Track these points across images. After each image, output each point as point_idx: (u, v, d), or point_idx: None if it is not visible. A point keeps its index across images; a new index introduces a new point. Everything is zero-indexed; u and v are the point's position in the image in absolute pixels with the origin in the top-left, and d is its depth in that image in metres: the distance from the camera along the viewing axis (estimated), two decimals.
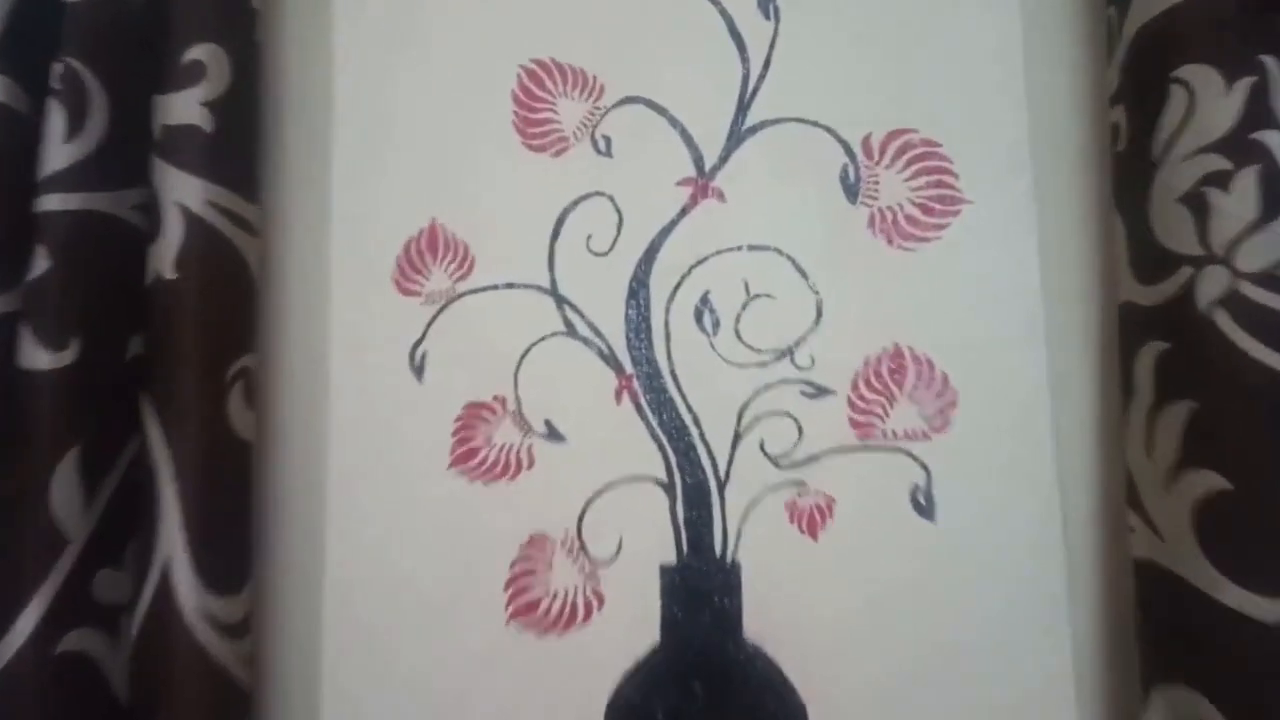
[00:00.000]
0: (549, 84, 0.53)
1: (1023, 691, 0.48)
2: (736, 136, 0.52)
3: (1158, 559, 0.47)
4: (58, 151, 0.51)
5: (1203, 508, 0.45)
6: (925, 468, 0.50)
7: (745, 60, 0.52)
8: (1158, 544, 0.47)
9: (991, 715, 0.48)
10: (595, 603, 0.50)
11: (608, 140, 0.53)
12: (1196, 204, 0.47)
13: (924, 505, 0.50)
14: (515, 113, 0.53)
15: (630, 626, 0.49)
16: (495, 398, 0.52)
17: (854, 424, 0.50)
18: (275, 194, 0.56)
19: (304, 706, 0.50)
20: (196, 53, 0.53)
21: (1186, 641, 0.46)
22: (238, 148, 0.55)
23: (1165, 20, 0.48)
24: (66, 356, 0.51)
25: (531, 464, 0.51)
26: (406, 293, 0.53)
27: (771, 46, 0.52)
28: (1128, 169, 0.51)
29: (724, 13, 0.53)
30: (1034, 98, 0.51)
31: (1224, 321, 0.45)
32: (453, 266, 0.53)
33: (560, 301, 0.52)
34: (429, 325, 0.52)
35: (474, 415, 0.52)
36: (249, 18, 0.56)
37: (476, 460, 0.51)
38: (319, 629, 0.51)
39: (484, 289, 0.52)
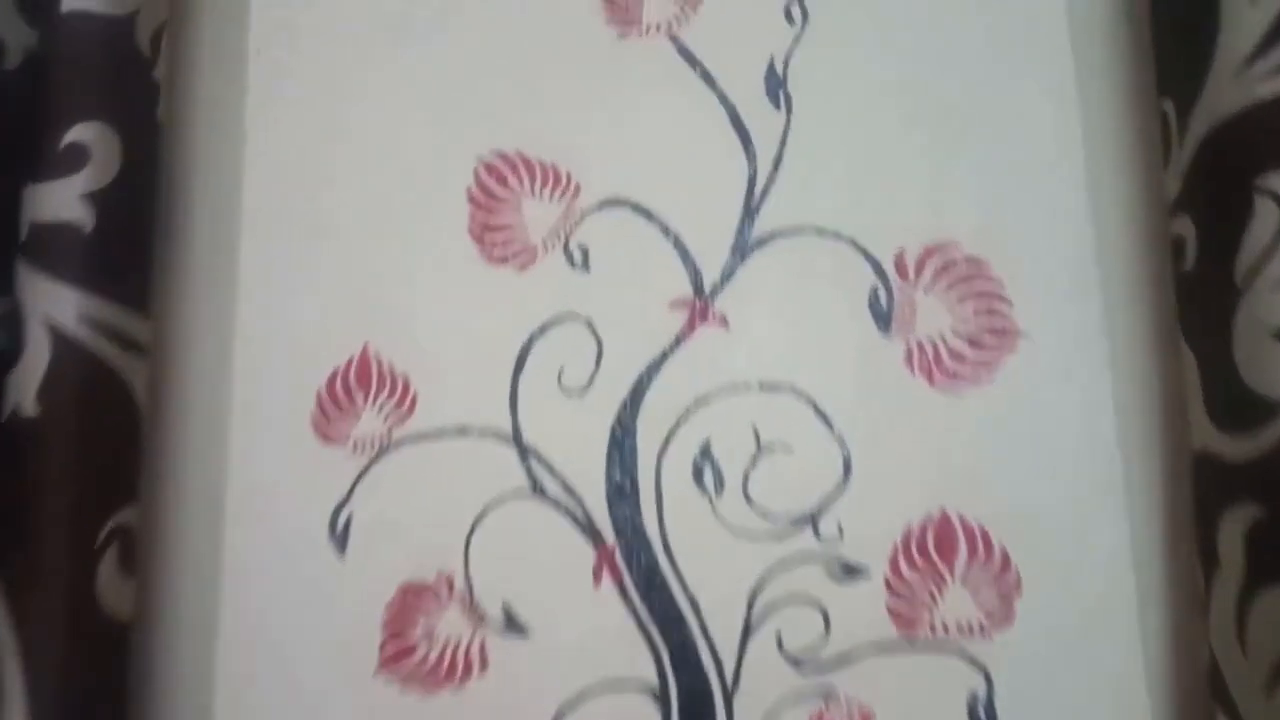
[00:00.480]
0: (513, 181, 0.44)
1: None
2: (742, 249, 0.43)
3: None
4: None
5: None
6: (985, 673, 0.39)
7: (751, 157, 0.43)
8: None
9: None
10: None
11: (584, 251, 0.43)
12: None
13: None
14: (471, 215, 0.43)
15: None
16: (439, 576, 0.41)
17: (894, 614, 0.40)
18: (173, 305, 0.45)
19: None
20: (78, 133, 0.43)
21: None
22: (126, 250, 0.45)
23: (1246, 118, 0.41)
24: None
25: (485, 666, 0.39)
26: (329, 439, 0.42)
27: (783, 141, 0.43)
28: (1199, 293, 0.43)
29: (725, 100, 0.44)
30: (1099, 204, 0.43)
31: None
32: (389, 406, 0.42)
33: (524, 452, 0.42)
34: (356, 482, 0.41)
35: (411, 600, 0.40)
36: (149, 91, 0.47)
37: (413, 661, 0.40)
38: None
39: (427, 436, 0.41)
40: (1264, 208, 0.41)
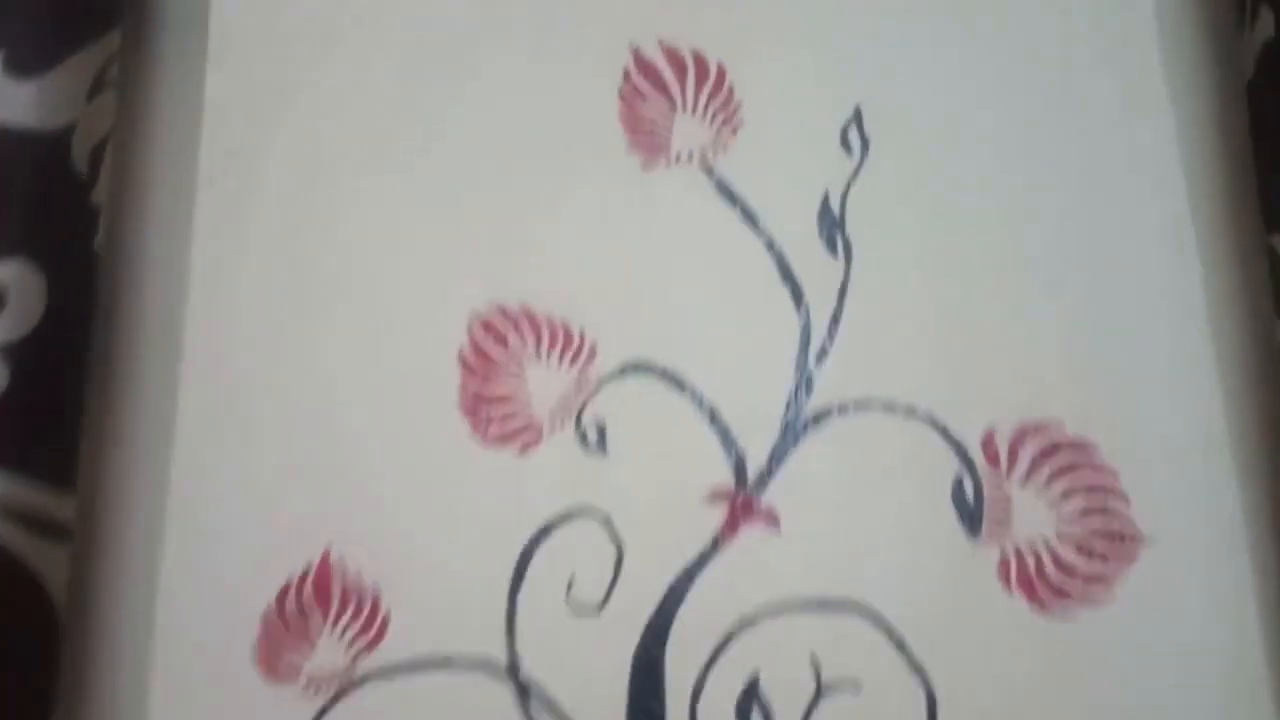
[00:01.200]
0: (514, 341, 0.36)
1: None
2: (794, 428, 0.34)
3: None
4: None
5: None
6: None
7: (804, 314, 0.35)
8: None
9: None
10: None
11: (601, 429, 0.35)
12: None
13: None
14: (463, 384, 0.35)
15: None
16: None
17: None
18: (103, 482, 0.37)
19: None
20: None
21: None
22: (47, 413, 0.37)
23: None
24: None
25: None
26: (277, 674, 0.32)
27: (842, 295, 0.35)
28: None
29: (771, 244, 0.36)
30: (1228, 369, 0.35)
31: None
32: (354, 629, 0.33)
33: (523, 691, 0.32)
34: None
35: None
36: (84, 219, 0.40)
37: None
38: None
39: (401, 668, 0.32)
40: None
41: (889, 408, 0.35)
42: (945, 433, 0.35)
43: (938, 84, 0.38)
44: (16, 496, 0.37)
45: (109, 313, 0.39)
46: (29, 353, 0.38)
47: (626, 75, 0.38)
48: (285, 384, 0.36)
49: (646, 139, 0.37)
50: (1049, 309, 0.35)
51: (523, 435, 0.35)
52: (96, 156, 0.41)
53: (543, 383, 0.35)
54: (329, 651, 0.34)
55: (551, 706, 0.33)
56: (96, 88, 0.44)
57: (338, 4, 0.39)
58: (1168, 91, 0.38)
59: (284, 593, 0.34)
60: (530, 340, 0.36)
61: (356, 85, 0.38)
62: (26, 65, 0.42)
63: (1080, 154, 0.37)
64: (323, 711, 0.33)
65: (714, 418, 0.35)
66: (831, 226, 0.36)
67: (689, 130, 0.37)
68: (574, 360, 0.35)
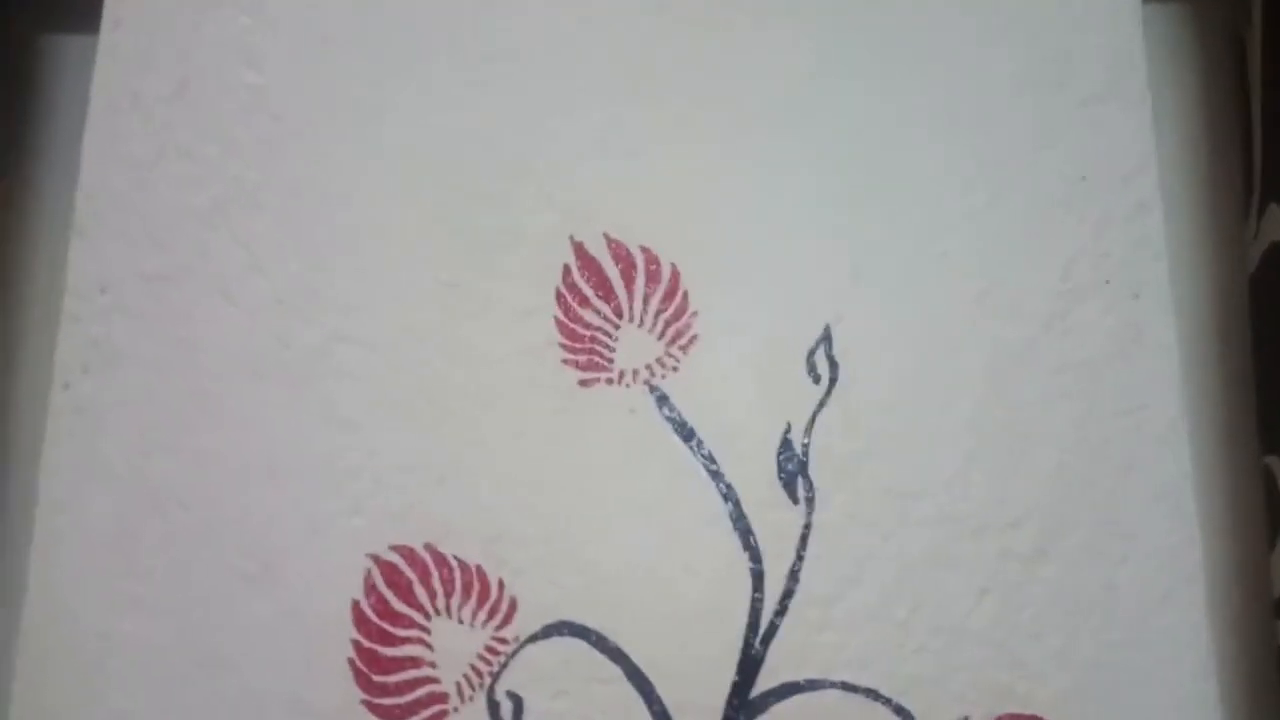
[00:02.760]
0: (419, 592, 0.30)
1: None
2: (740, 710, 0.29)
3: None
4: None
5: None
6: None
7: (758, 571, 0.30)
8: None
9: None
10: None
11: (518, 703, 0.29)
12: None
13: None
14: (356, 641, 0.29)
15: None
16: None
17: None
18: None
19: None
20: None
21: None
22: None
23: None
24: None
25: None
26: None
27: (801, 549, 0.30)
28: None
29: (722, 483, 0.31)
30: (1218, 636, 0.31)
31: None
32: None
33: None
34: None
35: None
36: None
37: None
38: None
39: None
40: None
41: (848, 689, 0.30)
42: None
43: (917, 304, 0.33)
44: None
45: None
46: None
47: (565, 273, 0.33)
48: (147, 630, 0.30)
49: (585, 348, 0.32)
50: (1033, 578, 0.31)
51: (426, 708, 0.29)
52: None
53: (451, 643, 0.30)
54: None
55: None
56: None
57: (229, 180, 0.34)
58: (1175, 320, 0.34)
59: None
60: (440, 590, 0.30)
61: (247, 274, 0.32)
62: None
63: (1074, 391, 0.32)
64: None
65: (649, 695, 0.30)
66: (794, 469, 0.31)
67: (635, 343, 0.32)
68: (489, 617, 0.30)
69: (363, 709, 0.29)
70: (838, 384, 0.32)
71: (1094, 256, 0.34)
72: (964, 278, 0.33)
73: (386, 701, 0.30)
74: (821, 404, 0.32)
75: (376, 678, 0.30)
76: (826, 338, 0.33)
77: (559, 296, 0.33)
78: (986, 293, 0.33)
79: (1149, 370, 0.33)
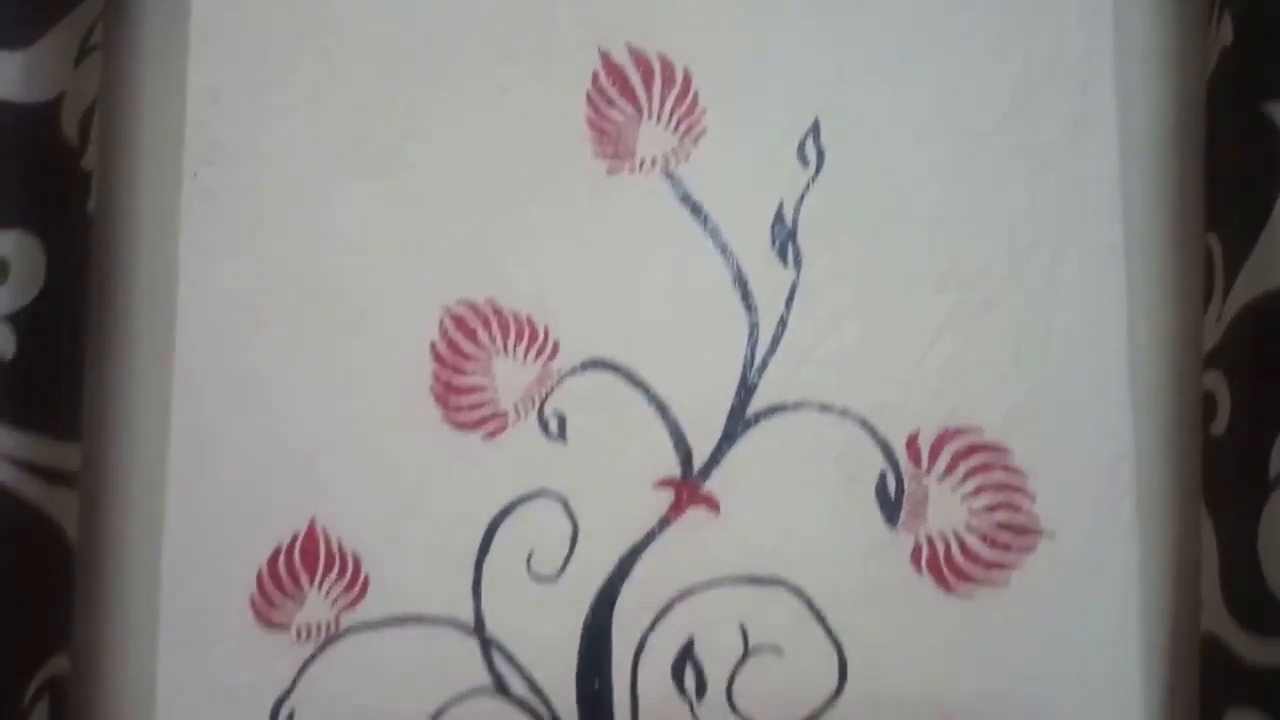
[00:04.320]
0: (483, 335, 0.39)
1: None
2: (737, 424, 0.38)
3: None
4: None
5: None
6: None
7: (753, 319, 0.38)
8: None
9: None
10: None
11: (561, 419, 0.38)
12: None
13: None
14: (435, 374, 0.38)
15: None
16: None
17: None
18: (106, 434, 0.41)
19: None
20: None
21: None
22: (52, 375, 0.40)
23: None
24: None
25: None
26: (270, 624, 0.37)
27: (789, 302, 0.38)
28: (1227, 465, 0.38)
29: (725, 251, 0.38)
30: (1141, 393, 0.38)
31: None
32: (337, 589, 0.38)
33: (487, 645, 0.37)
34: (300, 672, 0.37)
35: None
36: (78, 186, 0.41)
37: None
38: None
39: (380, 623, 0.37)
40: None
41: (824, 409, 0.38)
42: (874, 433, 0.38)
43: (893, 98, 0.39)
44: (30, 450, 0.40)
45: (104, 276, 0.42)
46: (32, 319, 0.40)
47: (595, 79, 0.39)
48: (273, 363, 0.39)
49: (612, 144, 0.39)
50: (982, 322, 0.38)
51: (489, 423, 0.39)
52: (85, 123, 0.42)
53: (509, 375, 0.39)
54: (316, 607, 0.38)
55: (512, 661, 0.38)
56: (83, 53, 0.45)
57: (314, 3, 0.40)
58: (1117, 104, 0.39)
59: (276, 555, 0.38)
60: (498, 335, 0.39)
61: (332, 84, 0.39)
62: (12, 38, 0.43)
63: (1027, 171, 0.39)
64: (311, 658, 0.38)
65: (665, 412, 0.38)
66: (784, 237, 0.39)
67: (654, 138, 0.39)
68: (538, 355, 0.39)
69: (444, 424, 0.38)
70: (823, 169, 0.39)
71: (1049, 57, 0.39)
72: (933, 76, 0.39)
73: (461, 418, 0.38)
74: (809, 185, 0.39)
75: (452, 400, 0.39)
76: (815, 129, 0.39)
77: (589, 99, 0.39)
78: (954, 87, 0.39)
79: (1093, 154, 0.39)
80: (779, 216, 0.39)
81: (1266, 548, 0.36)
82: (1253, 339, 0.38)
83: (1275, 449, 0.37)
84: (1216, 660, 0.38)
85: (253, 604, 0.38)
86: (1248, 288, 0.38)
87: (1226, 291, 0.39)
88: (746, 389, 0.38)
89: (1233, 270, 0.39)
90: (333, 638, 0.38)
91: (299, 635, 0.38)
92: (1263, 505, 0.37)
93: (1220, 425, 0.39)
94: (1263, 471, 0.37)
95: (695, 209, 0.39)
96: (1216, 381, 0.39)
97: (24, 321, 0.40)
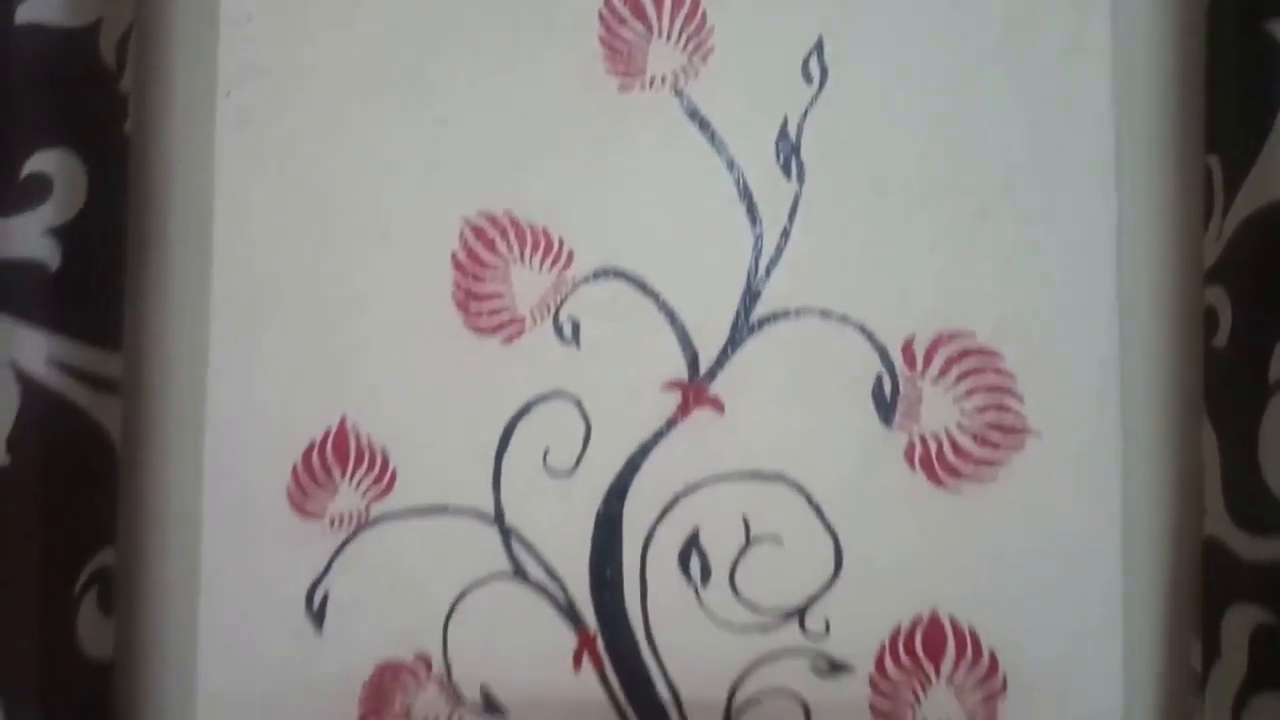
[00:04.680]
0: (501, 246, 0.41)
1: None
2: (742, 330, 0.40)
3: None
4: None
5: None
6: None
7: (758, 230, 0.40)
8: None
9: None
10: None
11: (575, 325, 0.40)
12: None
13: None
14: (456, 282, 0.41)
15: None
16: (417, 657, 0.40)
17: (876, 712, 0.39)
18: (145, 341, 0.43)
19: None
20: (39, 162, 0.41)
21: None
22: (95, 285, 0.43)
23: None
24: None
25: None
26: (305, 513, 0.40)
27: (792, 214, 0.40)
28: (1230, 375, 0.40)
29: (732, 165, 0.40)
30: (1128, 287, 0.40)
31: None
32: (367, 481, 0.41)
33: (507, 533, 0.40)
34: (333, 557, 0.40)
35: (388, 679, 0.40)
36: (115, 107, 0.44)
37: None
38: None
39: (407, 513, 0.40)
40: None
41: (824, 315, 0.40)
42: (871, 338, 0.40)
43: (894, 17, 0.40)
44: (75, 358, 0.43)
45: (143, 192, 0.44)
46: (75, 233, 0.43)
47: None
48: (304, 273, 0.41)
49: (624, 62, 0.41)
50: (976, 234, 0.40)
51: (508, 328, 0.41)
52: (122, 47, 0.44)
53: (526, 283, 0.41)
54: (347, 497, 0.41)
55: (530, 548, 0.41)
56: None
57: None
58: (1113, 25, 0.40)
59: (310, 450, 0.41)
60: (515, 245, 0.41)
61: (359, 6, 0.41)
62: None
63: (1023, 90, 0.40)
64: (344, 543, 0.41)
65: (673, 318, 0.40)
66: (788, 151, 0.40)
67: (664, 56, 0.41)
68: (553, 264, 0.41)
69: (465, 329, 0.41)
70: (826, 86, 0.41)
71: None
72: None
73: (480, 324, 0.41)
74: (813, 101, 0.41)
75: (472, 306, 0.41)
76: (819, 47, 0.41)
77: (601, 18, 0.41)
78: (953, 5, 0.40)
79: (1087, 72, 0.40)
80: (783, 132, 0.40)
81: (1266, 449, 0.38)
82: (1253, 249, 0.39)
83: (1275, 355, 0.39)
84: (1218, 560, 0.40)
85: (289, 496, 0.41)
86: (1249, 201, 0.40)
87: (1226, 209, 0.41)
88: (751, 296, 0.41)
89: (1233, 188, 0.41)
90: (363, 526, 0.41)
91: (332, 524, 0.41)
92: (1263, 409, 0.39)
93: (1222, 338, 0.41)
94: (1263, 376, 0.39)
95: (703, 124, 0.41)
96: (1218, 296, 0.41)
97: (67, 236, 0.42)
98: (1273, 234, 0.38)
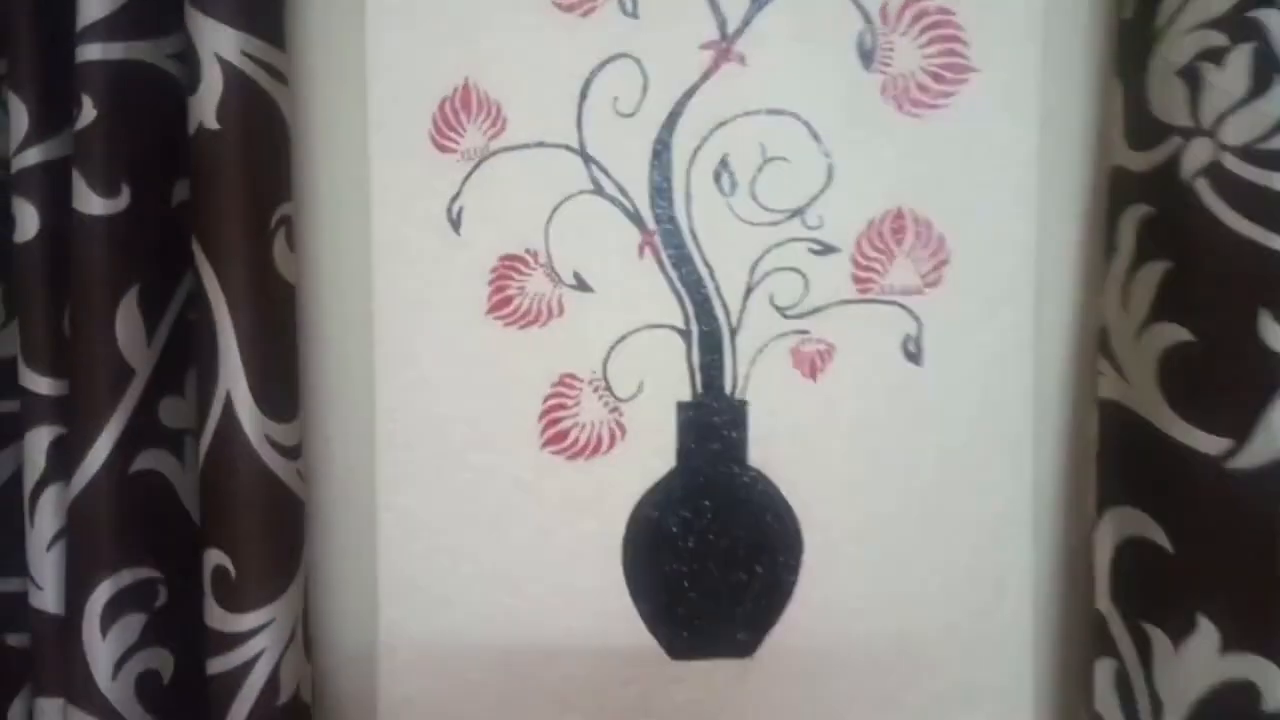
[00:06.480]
0: None
1: (990, 514, 0.55)
2: (760, 1, 0.54)
3: (1122, 399, 0.53)
4: (93, 1, 0.53)
5: (1167, 356, 0.51)
6: (917, 319, 0.55)
7: None
8: (1123, 386, 0.53)
9: (962, 530, 0.55)
10: (619, 433, 0.56)
11: (634, 1, 0.55)
12: (1191, 77, 0.50)
13: (914, 353, 0.55)
14: None
15: (649, 454, 0.56)
16: (528, 251, 0.56)
17: (856, 279, 0.55)
18: (305, 43, 0.57)
19: (360, 518, 0.57)
20: None
21: (1139, 470, 0.52)
22: None
23: None
24: (120, 202, 0.55)
25: (562, 312, 0.55)
26: (443, 149, 0.56)
27: None
28: (1132, 37, 0.54)
29: None
30: None
31: (1204, 190, 0.49)
32: (486, 125, 0.55)
33: (588, 161, 0.55)
34: (465, 181, 0.56)
35: (508, 267, 0.56)
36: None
37: (511, 308, 0.56)
38: (371, 454, 0.56)
39: (516, 147, 0.55)
40: None
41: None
42: (858, 3, 0.54)
43: None
44: (256, 50, 0.55)
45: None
46: None
47: None
48: None
49: None
50: (921, 136, 0.52)
51: (584, 4, 0.54)
52: None
53: None
54: (473, 137, 0.56)
55: (604, 170, 0.56)
56: None
57: None
58: None
59: (443, 103, 0.56)
60: None
61: None
62: None
63: None
64: (471, 171, 0.56)
65: None
66: None
67: None
68: None
69: (551, 7, 0.54)
70: None
71: None
72: None
73: (564, 1, 0.54)
74: None
75: None
76: None
77: None
78: None
79: None
80: None
81: (1151, 81, 0.50)
82: None
83: (1159, 8, 0.50)
84: (1118, 181, 0.53)
85: (431, 137, 0.56)
86: None
87: None
88: None
89: None
90: (485, 157, 0.56)
91: (463, 156, 0.56)
92: (1151, 54, 0.51)
93: (1129, 11, 0.52)
94: (1151, 30, 0.50)
95: None
96: None
97: None
98: None
